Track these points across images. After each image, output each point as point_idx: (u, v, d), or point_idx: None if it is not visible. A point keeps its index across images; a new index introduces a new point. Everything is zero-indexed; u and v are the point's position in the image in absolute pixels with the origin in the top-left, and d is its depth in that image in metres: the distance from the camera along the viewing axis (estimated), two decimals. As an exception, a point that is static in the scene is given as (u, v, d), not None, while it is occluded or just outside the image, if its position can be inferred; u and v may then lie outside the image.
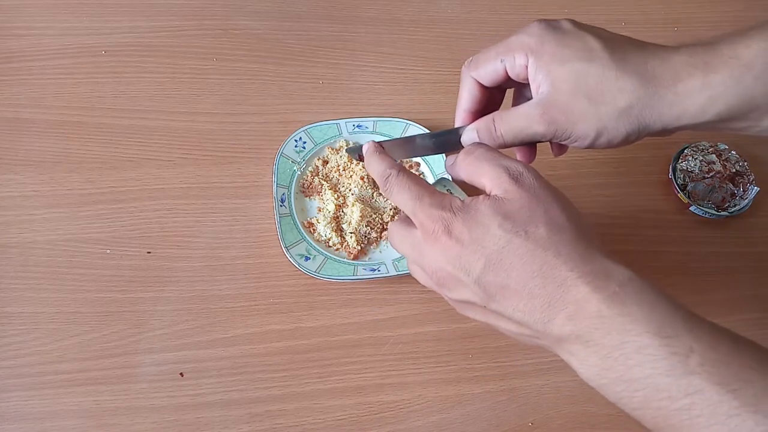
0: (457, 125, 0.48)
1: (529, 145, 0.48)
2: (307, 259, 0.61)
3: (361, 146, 0.48)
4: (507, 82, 0.46)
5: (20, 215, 0.62)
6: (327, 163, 0.67)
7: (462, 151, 0.41)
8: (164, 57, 0.71)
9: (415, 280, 0.43)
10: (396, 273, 0.60)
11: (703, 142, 0.72)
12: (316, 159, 0.67)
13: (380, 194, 0.64)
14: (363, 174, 0.64)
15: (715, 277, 0.67)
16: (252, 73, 0.72)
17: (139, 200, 0.63)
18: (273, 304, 0.60)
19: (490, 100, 0.48)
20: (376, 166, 0.43)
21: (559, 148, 0.49)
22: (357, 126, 0.67)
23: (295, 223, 0.63)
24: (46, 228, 0.61)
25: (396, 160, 0.45)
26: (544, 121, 0.42)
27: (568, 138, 0.43)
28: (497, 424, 0.58)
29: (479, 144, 0.43)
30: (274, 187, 0.63)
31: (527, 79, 0.44)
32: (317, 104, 0.71)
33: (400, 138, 0.49)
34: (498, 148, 0.44)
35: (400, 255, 0.62)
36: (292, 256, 0.60)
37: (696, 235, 0.69)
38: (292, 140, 0.66)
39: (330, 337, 0.60)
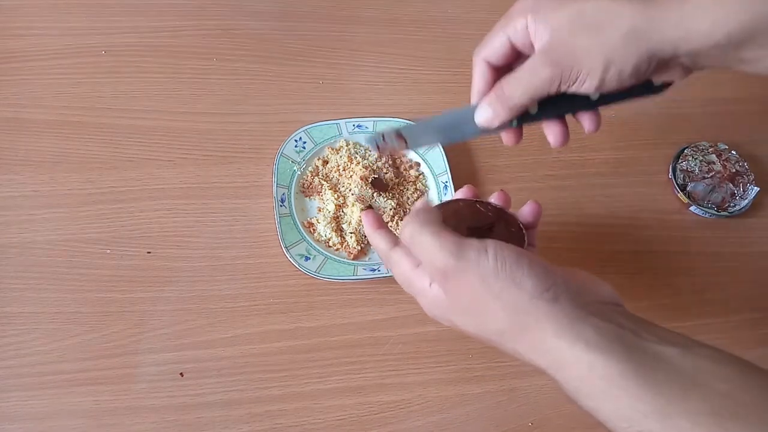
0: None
1: (559, 121, 0.46)
2: (307, 259, 0.61)
3: (379, 134, 0.47)
4: (516, 60, 0.45)
5: (20, 215, 0.62)
6: (327, 163, 0.67)
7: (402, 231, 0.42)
8: (164, 57, 0.71)
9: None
10: None
11: (703, 143, 0.72)
12: (316, 159, 0.67)
13: (380, 194, 0.64)
14: (363, 174, 0.64)
15: (715, 277, 0.67)
16: (252, 73, 0.72)
17: (139, 200, 0.63)
18: (273, 304, 0.60)
19: None
20: (377, 243, 0.46)
21: (590, 122, 0.47)
22: (357, 126, 0.67)
23: (295, 223, 0.63)
24: (46, 228, 0.61)
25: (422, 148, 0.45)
26: (549, 65, 0.41)
27: (576, 79, 0.42)
28: (497, 424, 0.58)
29: (408, 228, 0.42)
30: (274, 187, 0.63)
31: (532, 44, 0.43)
32: (317, 104, 0.71)
33: (417, 124, 0.48)
34: (516, 114, 0.44)
35: None
36: (292, 256, 0.60)
37: (696, 235, 0.69)
38: (292, 140, 0.66)
39: (330, 337, 0.60)
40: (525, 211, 0.45)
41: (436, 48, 0.76)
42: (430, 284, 0.41)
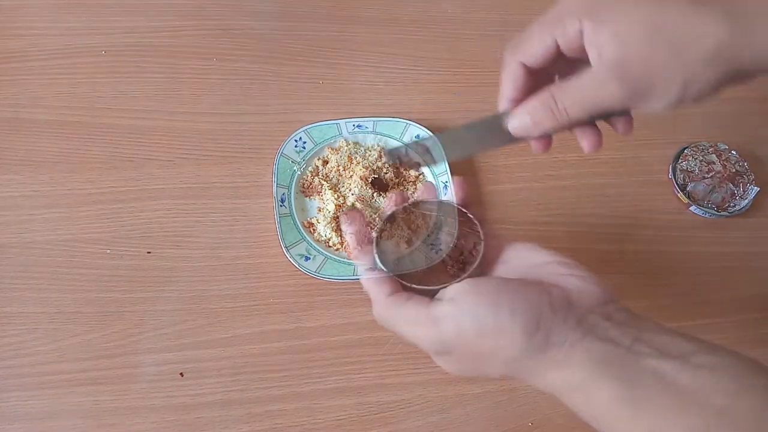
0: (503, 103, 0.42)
1: (592, 125, 0.42)
2: (307, 259, 0.61)
3: (399, 148, 0.45)
4: (555, 63, 0.40)
5: (20, 215, 0.62)
6: (327, 163, 0.67)
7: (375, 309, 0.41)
8: (164, 57, 0.71)
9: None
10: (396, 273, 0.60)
11: (703, 142, 0.72)
12: (316, 159, 0.67)
13: (380, 194, 0.64)
14: (363, 174, 0.64)
15: (715, 277, 0.67)
16: (252, 73, 0.72)
17: (139, 200, 0.63)
18: (273, 304, 0.60)
19: (538, 87, 0.41)
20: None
21: (625, 124, 0.42)
22: (357, 126, 0.67)
23: (295, 223, 0.63)
24: (46, 228, 0.61)
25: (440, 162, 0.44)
26: (619, 80, 0.36)
27: (649, 96, 0.37)
28: (497, 424, 0.58)
29: (382, 302, 0.41)
30: (274, 187, 0.63)
31: (582, 49, 0.38)
32: (317, 104, 0.71)
33: (442, 136, 0.44)
34: (561, 128, 0.39)
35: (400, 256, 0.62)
36: (292, 256, 0.60)
37: (696, 235, 0.69)
38: (292, 140, 0.66)
39: (330, 337, 0.60)
40: (456, 191, 0.42)
41: (436, 48, 0.76)
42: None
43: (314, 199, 0.65)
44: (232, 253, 0.62)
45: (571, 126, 0.40)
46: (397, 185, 0.66)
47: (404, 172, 0.67)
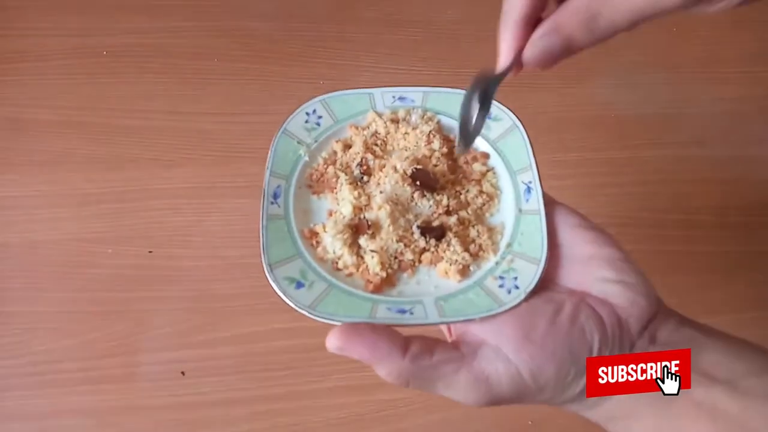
0: (505, 53, 0.33)
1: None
2: (300, 285, 0.38)
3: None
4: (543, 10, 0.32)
5: (22, 215, 0.62)
6: (349, 147, 0.44)
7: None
8: (165, 57, 0.71)
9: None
10: (440, 320, 0.38)
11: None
12: (333, 141, 0.44)
13: (424, 195, 0.40)
14: (400, 163, 0.41)
15: (715, 277, 0.67)
16: (252, 73, 0.72)
17: (140, 200, 0.63)
18: (274, 303, 0.59)
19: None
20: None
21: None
22: (399, 98, 0.45)
23: (289, 231, 0.40)
24: (47, 228, 0.61)
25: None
26: None
27: None
28: (497, 424, 0.58)
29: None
30: (267, 175, 0.40)
31: None
32: (318, 104, 0.71)
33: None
34: (591, 44, 0.31)
35: (448, 292, 0.40)
36: (276, 279, 0.37)
37: (696, 235, 0.69)
38: (303, 113, 0.44)
39: (331, 337, 0.60)
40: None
41: (436, 48, 0.76)
42: None
43: (324, 198, 0.42)
44: (232, 253, 0.62)
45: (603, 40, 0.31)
46: (452, 184, 0.42)
47: (464, 166, 0.44)
